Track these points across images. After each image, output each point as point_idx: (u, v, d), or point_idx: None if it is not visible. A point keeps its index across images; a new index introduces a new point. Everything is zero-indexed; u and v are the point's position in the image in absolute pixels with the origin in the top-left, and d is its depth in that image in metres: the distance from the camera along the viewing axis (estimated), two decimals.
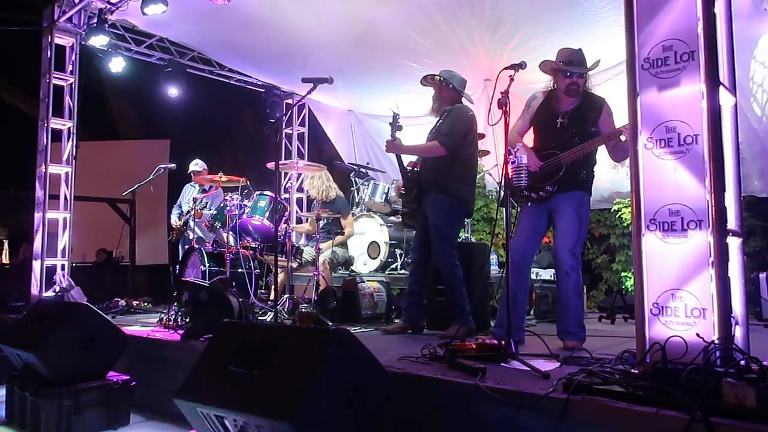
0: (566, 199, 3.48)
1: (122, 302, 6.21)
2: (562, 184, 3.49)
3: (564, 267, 3.44)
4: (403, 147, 4.09)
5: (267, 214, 5.26)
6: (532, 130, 3.70)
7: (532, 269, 5.59)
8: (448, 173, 4.04)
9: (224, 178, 5.44)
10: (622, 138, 3.28)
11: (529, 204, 3.64)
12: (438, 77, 4.14)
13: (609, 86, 5.38)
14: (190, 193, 6.85)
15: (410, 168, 4.22)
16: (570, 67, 3.46)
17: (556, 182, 3.50)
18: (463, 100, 4.22)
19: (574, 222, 3.45)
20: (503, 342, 2.81)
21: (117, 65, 6.71)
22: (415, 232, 4.41)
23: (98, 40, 6.19)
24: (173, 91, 7.35)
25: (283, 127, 8.72)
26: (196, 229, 6.26)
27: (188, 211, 6.22)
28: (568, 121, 3.52)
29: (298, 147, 8.97)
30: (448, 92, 4.15)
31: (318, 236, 5.15)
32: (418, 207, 4.18)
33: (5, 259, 11.16)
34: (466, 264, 4.47)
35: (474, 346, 2.80)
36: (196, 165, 6.88)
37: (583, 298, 3.58)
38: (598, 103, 3.52)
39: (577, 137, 3.45)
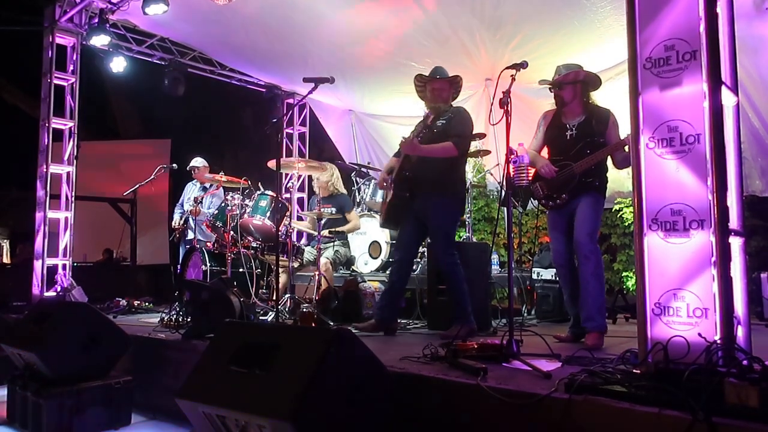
0: (583, 197, 3.68)
1: (123, 302, 6.21)
2: (576, 191, 3.69)
3: (583, 251, 3.57)
4: (422, 148, 3.96)
5: (268, 214, 5.26)
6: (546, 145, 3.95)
7: (534, 269, 5.60)
8: (452, 175, 4.04)
9: (225, 178, 5.44)
10: (626, 149, 3.49)
11: (550, 212, 3.89)
12: (442, 77, 4.09)
13: (610, 86, 5.38)
14: (191, 191, 6.85)
15: (404, 171, 4.11)
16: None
17: (570, 191, 3.70)
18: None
19: (590, 213, 3.64)
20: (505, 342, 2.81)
21: (118, 65, 6.72)
22: (401, 230, 4.27)
23: (99, 40, 6.20)
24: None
25: (284, 126, 8.73)
26: (197, 230, 6.27)
27: (189, 210, 6.23)
28: (577, 133, 3.72)
29: (299, 146, 8.97)
30: (450, 91, 4.13)
31: (319, 236, 5.14)
32: (408, 208, 4.09)
33: (6, 259, 11.17)
34: (468, 264, 4.47)
35: (476, 346, 2.80)
36: (197, 161, 6.88)
37: (604, 284, 3.68)
38: (604, 115, 3.73)
39: (588, 148, 3.65)
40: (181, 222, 6.62)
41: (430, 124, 3.99)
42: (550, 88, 3.82)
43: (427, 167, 4.01)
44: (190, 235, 6.35)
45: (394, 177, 4.14)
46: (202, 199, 6.24)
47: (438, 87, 4.08)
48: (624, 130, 3.47)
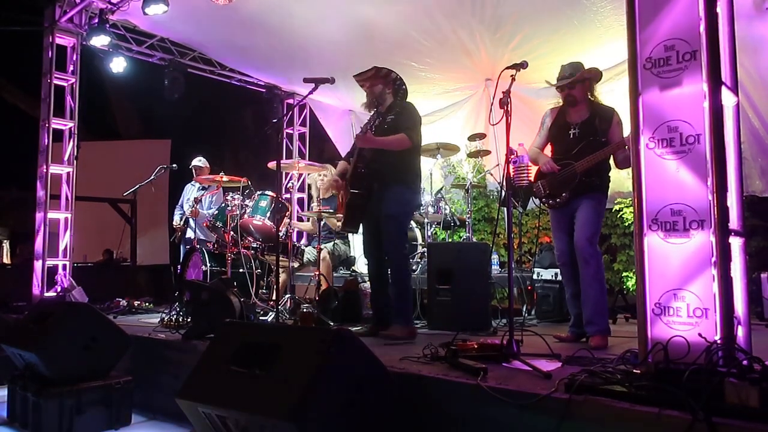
0: (585, 198, 3.68)
1: (123, 302, 6.21)
2: (577, 190, 3.69)
3: (583, 255, 3.58)
4: (376, 140, 3.98)
5: (268, 214, 5.26)
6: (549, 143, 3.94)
7: (534, 269, 5.60)
8: (410, 167, 4.04)
9: (225, 178, 5.44)
10: (627, 148, 3.48)
11: (552, 210, 3.89)
12: (387, 73, 4.16)
13: (610, 86, 5.37)
14: (190, 192, 6.85)
15: (359, 168, 4.07)
16: (558, 81, 3.76)
17: (571, 189, 3.70)
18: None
19: (591, 215, 3.64)
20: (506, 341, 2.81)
21: (118, 65, 6.72)
22: (365, 236, 4.23)
23: (99, 40, 6.20)
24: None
25: (284, 127, 8.72)
26: (197, 229, 6.27)
27: (189, 212, 6.23)
28: (580, 132, 3.73)
29: (299, 147, 8.98)
30: (385, 86, 4.19)
31: (319, 236, 5.14)
32: (365, 207, 4.04)
33: (6, 259, 11.17)
34: (468, 264, 4.47)
35: (476, 346, 2.80)
36: (199, 161, 6.87)
37: (605, 288, 3.69)
38: (608, 114, 3.72)
39: (590, 147, 3.65)
40: (182, 223, 6.62)
41: (384, 112, 4.08)
42: (560, 88, 3.75)
43: (382, 162, 3.97)
44: (191, 234, 6.35)
45: (348, 176, 4.10)
46: (201, 198, 6.24)
47: (369, 84, 4.25)
48: (626, 129, 3.47)
